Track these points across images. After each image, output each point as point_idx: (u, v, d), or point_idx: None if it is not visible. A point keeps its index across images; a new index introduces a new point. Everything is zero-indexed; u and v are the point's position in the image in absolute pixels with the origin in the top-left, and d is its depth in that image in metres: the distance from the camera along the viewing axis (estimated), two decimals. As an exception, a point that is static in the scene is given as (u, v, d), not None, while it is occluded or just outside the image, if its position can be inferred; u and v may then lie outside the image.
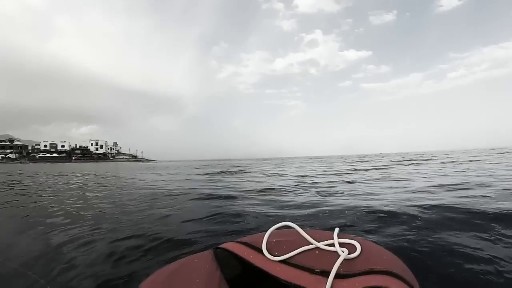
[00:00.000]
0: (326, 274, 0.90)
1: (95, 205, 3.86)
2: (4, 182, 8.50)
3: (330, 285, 0.85)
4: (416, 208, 2.67)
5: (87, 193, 5.26)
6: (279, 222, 1.13)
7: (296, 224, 1.11)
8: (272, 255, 1.03)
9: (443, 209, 2.57)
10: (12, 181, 9.01)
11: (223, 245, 1.12)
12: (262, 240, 1.08)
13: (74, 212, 3.42)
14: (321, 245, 1.03)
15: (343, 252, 0.97)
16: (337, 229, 1.11)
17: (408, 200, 3.19)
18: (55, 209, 3.68)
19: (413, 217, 2.40)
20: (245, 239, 1.16)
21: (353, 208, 2.87)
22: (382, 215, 2.51)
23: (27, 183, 8.07)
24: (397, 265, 0.92)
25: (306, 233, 1.08)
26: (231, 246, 1.10)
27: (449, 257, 1.59)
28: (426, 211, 2.57)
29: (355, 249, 0.99)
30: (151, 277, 0.93)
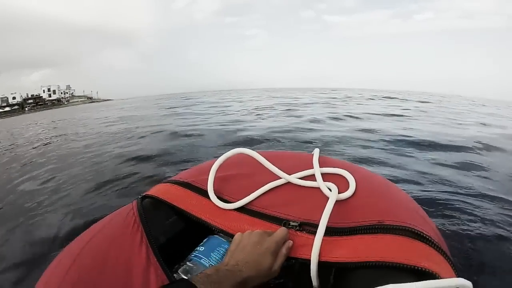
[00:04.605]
0: (308, 228, 0.57)
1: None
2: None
3: (317, 250, 0.51)
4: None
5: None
6: (230, 150, 0.77)
7: (256, 151, 0.76)
8: (223, 200, 0.69)
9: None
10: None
11: (152, 190, 0.76)
12: (207, 177, 0.73)
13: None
14: (293, 179, 0.69)
15: (330, 190, 0.62)
16: (317, 151, 0.77)
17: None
18: None
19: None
20: (184, 175, 0.80)
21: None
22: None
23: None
24: (414, 213, 0.59)
25: (270, 161, 0.73)
26: (163, 191, 0.75)
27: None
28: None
29: (346, 183, 0.64)
30: (62, 253, 0.57)
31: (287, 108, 6.65)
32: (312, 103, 8.11)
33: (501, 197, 1.48)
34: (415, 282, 0.39)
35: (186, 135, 3.57)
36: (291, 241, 0.56)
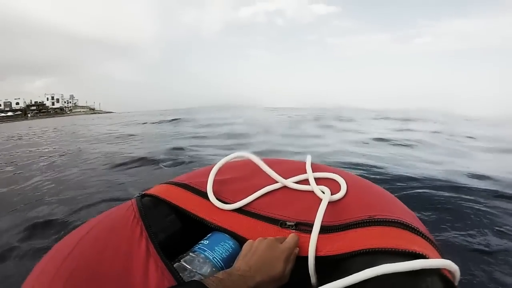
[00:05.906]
0: (304, 228, 0.60)
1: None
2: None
3: (314, 246, 0.55)
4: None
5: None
6: (230, 154, 0.79)
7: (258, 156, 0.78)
8: (221, 201, 0.71)
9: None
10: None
11: (151, 190, 0.78)
12: (207, 179, 0.75)
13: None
14: (289, 183, 0.73)
15: (323, 193, 0.66)
16: (309, 157, 0.80)
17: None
18: None
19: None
20: (183, 177, 0.82)
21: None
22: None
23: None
24: (401, 209, 0.62)
25: (269, 166, 0.76)
26: (163, 190, 0.76)
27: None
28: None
29: (338, 186, 0.68)
30: (60, 243, 0.58)
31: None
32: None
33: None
34: (408, 261, 0.42)
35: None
36: (298, 248, 0.58)
